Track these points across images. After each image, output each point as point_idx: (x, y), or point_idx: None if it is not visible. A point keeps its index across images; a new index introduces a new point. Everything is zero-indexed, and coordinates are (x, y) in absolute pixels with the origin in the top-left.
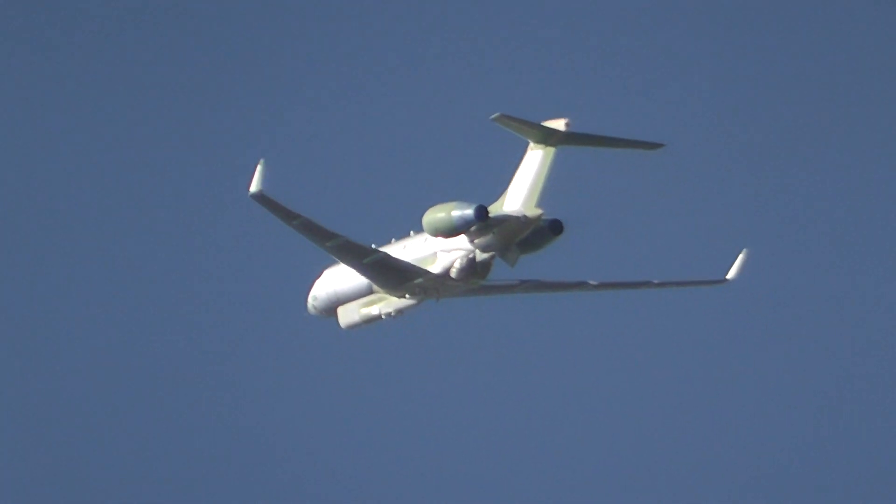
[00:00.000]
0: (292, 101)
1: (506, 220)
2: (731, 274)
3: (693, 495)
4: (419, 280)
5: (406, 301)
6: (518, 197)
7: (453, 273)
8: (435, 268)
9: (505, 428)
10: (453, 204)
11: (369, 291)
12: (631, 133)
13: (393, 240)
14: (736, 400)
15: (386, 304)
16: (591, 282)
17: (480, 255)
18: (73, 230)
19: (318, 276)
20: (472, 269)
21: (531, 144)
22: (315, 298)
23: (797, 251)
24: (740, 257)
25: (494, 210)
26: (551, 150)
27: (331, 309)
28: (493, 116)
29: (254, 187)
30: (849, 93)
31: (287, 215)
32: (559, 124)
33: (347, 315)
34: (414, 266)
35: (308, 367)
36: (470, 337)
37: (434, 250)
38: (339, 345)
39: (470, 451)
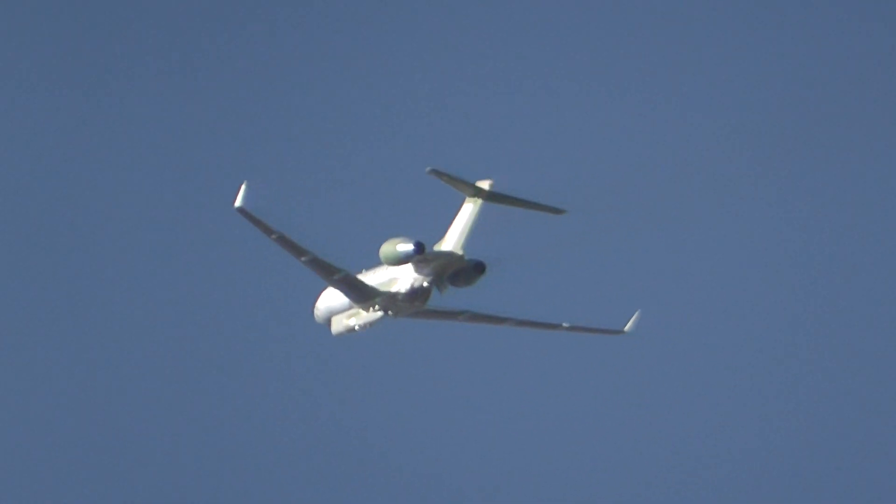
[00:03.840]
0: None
1: (438, 255)
2: (627, 326)
3: None
4: (377, 298)
5: (373, 316)
6: (451, 239)
7: (399, 296)
8: (388, 289)
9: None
10: (399, 239)
11: (350, 307)
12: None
13: (363, 269)
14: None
15: (358, 318)
16: (515, 318)
17: (421, 283)
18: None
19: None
20: (414, 293)
21: (466, 197)
22: (317, 309)
23: (689, 310)
24: (636, 314)
25: (435, 247)
26: (479, 204)
27: (327, 319)
28: (427, 170)
29: (237, 203)
30: (727, 166)
31: (265, 230)
32: (484, 184)
33: (336, 324)
34: (372, 287)
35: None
36: (394, 357)
37: (391, 276)
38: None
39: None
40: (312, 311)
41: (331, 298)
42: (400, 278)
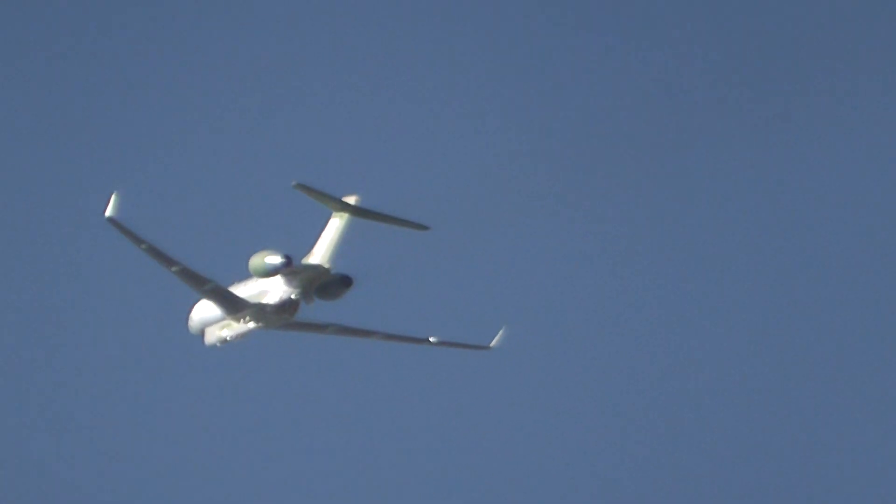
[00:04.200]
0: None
1: (306, 268)
2: (493, 342)
3: None
4: (247, 310)
5: (244, 327)
6: (319, 252)
7: (268, 308)
8: (258, 301)
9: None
10: (267, 251)
11: (222, 318)
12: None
13: (235, 281)
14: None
15: (229, 329)
16: (381, 331)
17: (289, 295)
18: None
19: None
20: (282, 305)
21: (333, 212)
22: (191, 320)
23: (555, 325)
24: (501, 331)
25: (303, 261)
26: (346, 218)
27: (200, 330)
28: (292, 184)
29: (108, 213)
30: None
31: (135, 240)
32: (351, 199)
33: (209, 335)
34: (241, 298)
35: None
36: (268, 370)
37: (261, 289)
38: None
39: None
40: (186, 322)
41: (204, 310)
42: (269, 291)
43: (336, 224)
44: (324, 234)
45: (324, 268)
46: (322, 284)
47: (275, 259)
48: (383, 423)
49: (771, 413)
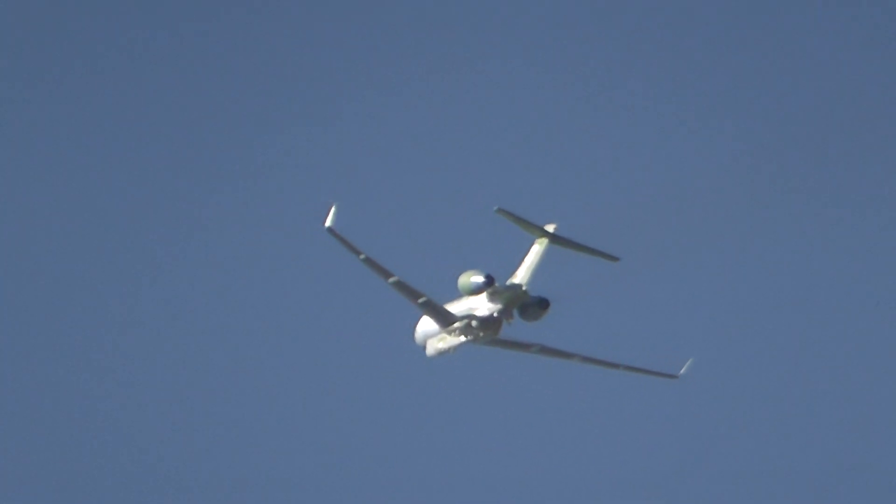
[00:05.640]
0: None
1: (507, 288)
2: (682, 371)
3: None
4: (457, 323)
5: (456, 340)
6: (519, 274)
7: (473, 323)
8: (465, 315)
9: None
10: (473, 271)
11: (439, 332)
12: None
13: (452, 300)
14: None
15: (444, 342)
16: (581, 355)
17: (492, 313)
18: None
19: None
20: (485, 321)
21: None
22: (416, 332)
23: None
24: (689, 362)
25: (507, 282)
26: (545, 244)
27: (423, 341)
28: (495, 209)
29: (327, 223)
30: None
31: (353, 250)
32: (550, 227)
33: (430, 347)
34: (450, 312)
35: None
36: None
37: (470, 306)
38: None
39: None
40: (413, 334)
41: (426, 324)
42: (476, 308)
43: (536, 249)
44: (526, 257)
45: (522, 289)
46: (522, 305)
47: (478, 278)
48: (562, 439)
49: None
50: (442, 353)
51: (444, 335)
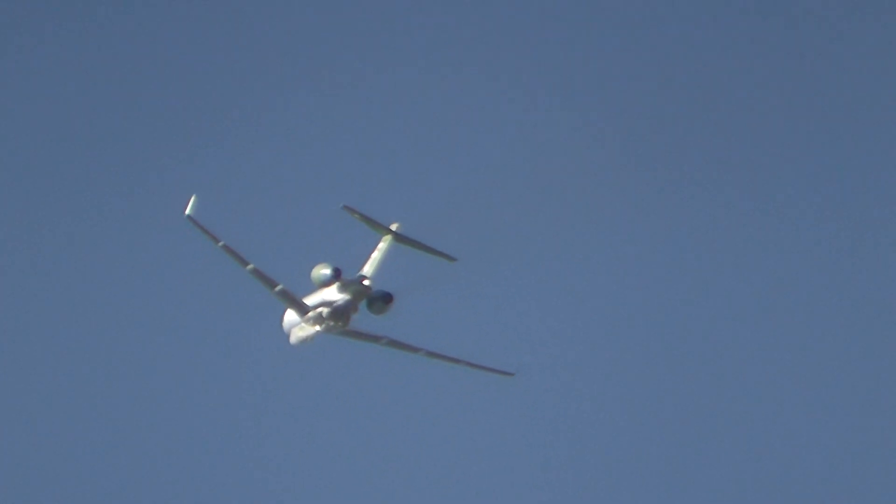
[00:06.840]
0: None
1: (352, 281)
2: (515, 371)
3: None
4: (309, 313)
5: (311, 330)
6: (366, 269)
7: (324, 313)
8: (316, 306)
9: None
10: (323, 264)
11: (299, 322)
12: None
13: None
14: None
15: (303, 331)
16: (426, 349)
17: (340, 303)
18: None
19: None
20: (334, 311)
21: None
22: (283, 321)
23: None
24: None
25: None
26: (389, 240)
27: (288, 330)
28: (341, 206)
29: (187, 211)
30: None
31: (212, 238)
32: (393, 226)
33: (293, 335)
34: (303, 302)
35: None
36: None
37: (323, 297)
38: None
39: None
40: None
41: (291, 314)
42: (327, 299)
43: (381, 246)
44: (372, 253)
45: (364, 284)
46: (368, 298)
47: (327, 271)
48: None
49: None
50: (302, 342)
51: (303, 324)
